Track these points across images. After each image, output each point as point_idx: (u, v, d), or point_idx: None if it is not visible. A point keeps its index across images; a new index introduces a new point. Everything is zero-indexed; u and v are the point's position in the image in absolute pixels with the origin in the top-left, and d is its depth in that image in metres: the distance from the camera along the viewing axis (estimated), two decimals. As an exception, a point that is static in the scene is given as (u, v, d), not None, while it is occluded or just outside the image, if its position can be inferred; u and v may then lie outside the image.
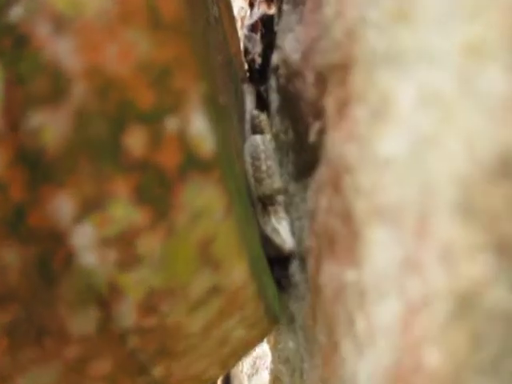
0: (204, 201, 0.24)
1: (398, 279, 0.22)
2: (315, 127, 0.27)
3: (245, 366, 0.38)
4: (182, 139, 0.23)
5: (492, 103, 0.17)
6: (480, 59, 0.18)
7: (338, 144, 0.25)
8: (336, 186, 0.25)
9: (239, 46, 0.33)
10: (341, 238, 0.25)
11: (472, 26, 0.18)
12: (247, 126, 0.31)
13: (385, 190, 0.22)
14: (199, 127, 0.23)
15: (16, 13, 0.21)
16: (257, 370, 0.36)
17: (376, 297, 0.23)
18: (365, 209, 0.23)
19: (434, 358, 0.20)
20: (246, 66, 0.32)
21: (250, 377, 0.36)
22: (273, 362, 0.32)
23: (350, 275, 0.24)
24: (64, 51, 0.22)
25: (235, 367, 0.40)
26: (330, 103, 0.25)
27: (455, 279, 0.19)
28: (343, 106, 0.24)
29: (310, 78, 0.27)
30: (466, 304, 0.19)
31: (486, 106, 0.18)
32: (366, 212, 0.23)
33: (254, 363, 0.36)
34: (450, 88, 0.19)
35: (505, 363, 0.18)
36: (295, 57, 0.28)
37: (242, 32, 0.32)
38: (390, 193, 0.22)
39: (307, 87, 0.27)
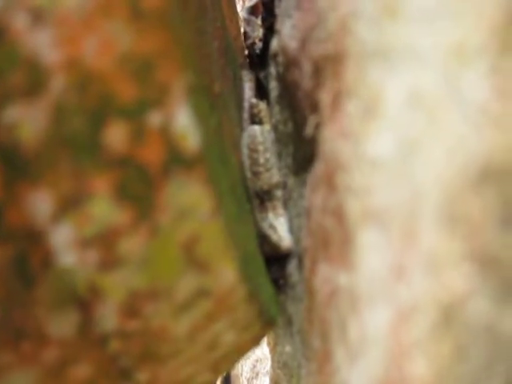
0: (189, 199, 0.25)
1: (387, 285, 0.23)
2: (312, 120, 0.28)
3: (244, 369, 0.39)
4: (165, 134, 0.24)
5: (474, 109, 0.18)
6: (464, 61, 0.19)
7: (332, 139, 0.26)
8: (330, 183, 0.26)
9: (239, 30, 0.34)
10: (335, 238, 0.26)
11: (457, 26, 0.19)
12: (246, 115, 0.32)
13: (376, 192, 0.23)
14: (183, 122, 0.24)
15: (-11, 5, 0.22)
16: (257, 374, 0.37)
17: (367, 302, 0.24)
18: (357, 209, 0.24)
19: (418, 368, 0.21)
20: (246, 51, 0.33)
21: (249, 380, 0.38)
22: (272, 366, 0.33)
23: (343, 279, 0.25)
24: (42, 44, 0.23)
25: (235, 369, 0.41)
26: (324, 96, 0.26)
27: (439, 289, 0.20)
28: (337, 99, 0.25)
29: (306, 67, 0.28)
30: (449, 315, 0.20)
31: (468, 111, 0.19)
32: (359, 213, 0.24)
33: (254, 366, 0.37)
34: (434, 90, 0.20)
35: (485, 380, 0.19)
36: (293, 44, 0.29)
37: (241, 14, 0.33)
38: (380, 194, 0.23)
39: (304, 77, 0.28)
